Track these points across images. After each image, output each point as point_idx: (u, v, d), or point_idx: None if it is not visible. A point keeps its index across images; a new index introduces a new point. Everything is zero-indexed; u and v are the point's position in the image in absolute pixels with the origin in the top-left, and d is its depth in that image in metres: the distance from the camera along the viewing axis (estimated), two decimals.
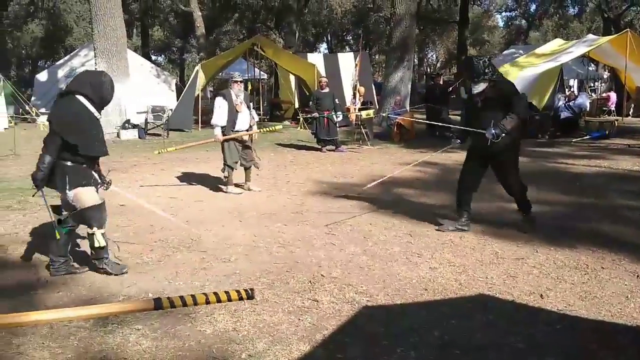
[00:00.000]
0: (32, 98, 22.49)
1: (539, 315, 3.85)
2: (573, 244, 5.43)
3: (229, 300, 2.04)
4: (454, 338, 3.53)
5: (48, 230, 5.25)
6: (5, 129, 17.38)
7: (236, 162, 8.06)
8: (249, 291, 2.07)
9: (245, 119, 8.05)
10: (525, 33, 49.15)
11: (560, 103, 15.45)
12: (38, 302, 4.12)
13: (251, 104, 8.40)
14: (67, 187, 4.49)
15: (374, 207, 7.09)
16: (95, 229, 4.54)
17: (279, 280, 4.56)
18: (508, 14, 50.24)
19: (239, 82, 8.03)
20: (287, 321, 3.78)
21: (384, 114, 16.25)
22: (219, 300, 2.01)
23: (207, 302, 1.98)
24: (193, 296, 1.95)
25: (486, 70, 5.43)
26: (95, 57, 16.28)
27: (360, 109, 15.40)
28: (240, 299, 2.06)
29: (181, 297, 1.92)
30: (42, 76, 23.78)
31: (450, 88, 16.36)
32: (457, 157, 11.52)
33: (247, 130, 8.10)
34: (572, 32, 45.67)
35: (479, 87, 5.48)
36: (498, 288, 4.35)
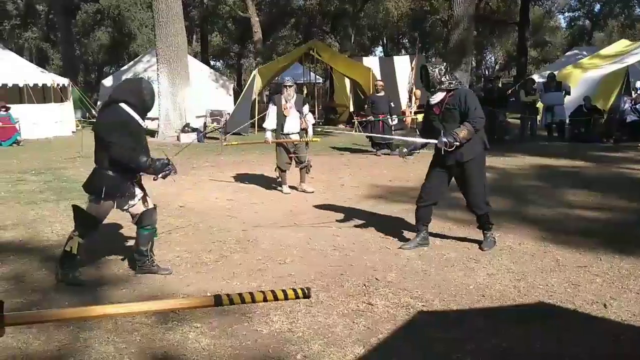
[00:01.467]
0: (98, 103, 23.39)
1: (602, 326, 3.72)
2: (639, 252, 5.21)
3: (286, 298, 2.07)
4: (512, 346, 3.45)
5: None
6: (73, 132, 18.16)
7: (288, 164, 8.36)
8: (306, 290, 2.10)
9: (294, 122, 8.23)
10: (589, 34, 47.45)
11: (627, 106, 14.84)
12: (103, 298, 4.30)
13: (306, 107, 8.50)
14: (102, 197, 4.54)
15: None
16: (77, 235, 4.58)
17: (334, 282, 4.58)
18: (571, 14, 48.61)
19: (288, 87, 8.23)
20: (341, 324, 3.80)
21: None
22: (276, 298, 2.05)
23: (265, 300, 2.02)
24: (251, 294, 2.00)
25: (443, 79, 5.15)
26: (157, 62, 16.82)
27: (416, 113, 15.29)
28: (297, 297, 2.09)
29: (240, 295, 1.97)
30: (108, 81, 24.73)
31: (509, 91, 16.01)
32: (517, 161, 11.27)
33: (298, 134, 8.29)
34: (638, 32, 43.74)
35: (437, 97, 5.23)
36: (559, 296, 4.23)
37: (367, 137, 13.26)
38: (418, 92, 16.04)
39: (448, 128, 5.15)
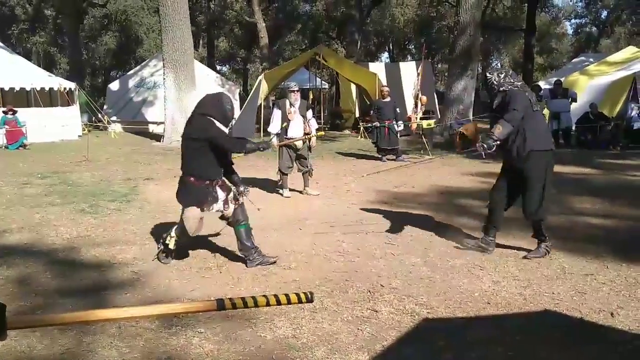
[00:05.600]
0: (105, 107, 23.49)
1: (609, 334, 3.69)
2: None
3: (289, 302, 2.06)
4: (518, 354, 3.42)
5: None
6: (79, 136, 18.23)
7: (289, 168, 8.49)
8: (309, 294, 2.09)
9: (298, 127, 8.32)
10: (595, 41, 47.34)
11: (634, 113, 14.77)
12: (107, 302, 4.29)
13: (309, 112, 8.59)
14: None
15: (435, 218, 6.99)
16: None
17: (338, 289, 4.56)
18: (577, 20, 48.54)
19: (295, 92, 8.35)
20: (346, 330, 3.78)
21: (447, 124, 16.02)
22: (279, 303, 2.04)
23: (268, 305, 2.01)
24: (254, 298, 1.99)
25: (502, 82, 5.25)
26: (164, 67, 16.87)
27: (421, 118, 15.27)
28: (300, 301, 2.07)
29: (242, 299, 1.97)
30: (114, 86, 24.83)
31: None
32: None
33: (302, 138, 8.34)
34: None
35: (497, 101, 5.34)
36: (565, 304, 4.20)
37: (373, 143, 13.27)
38: (424, 98, 16.02)
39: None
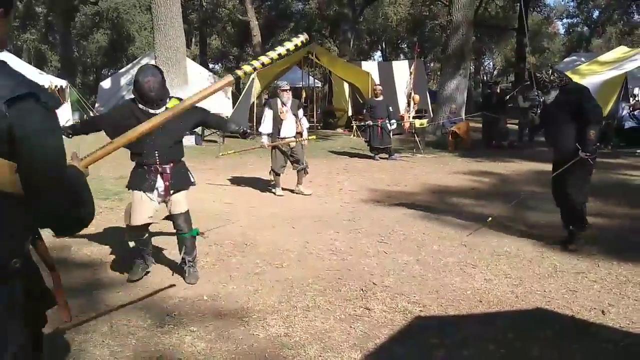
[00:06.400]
0: (96, 104, 23.38)
1: (600, 332, 3.71)
2: (637, 258, 5.20)
3: (288, 53, 2.29)
4: (510, 352, 3.43)
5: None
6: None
7: (282, 167, 8.47)
8: (303, 38, 2.29)
9: (291, 126, 8.30)
10: (587, 40, 47.60)
11: (625, 112, 14.88)
12: (99, 301, 4.27)
13: (300, 111, 8.57)
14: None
15: (428, 217, 7.01)
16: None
17: (331, 287, 4.56)
18: (569, 20, 48.84)
19: (287, 91, 8.34)
20: (339, 328, 3.78)
21: (440, 122, 16.07)
22: (280, 57, 2.26)
23: (271, 61, 2.25)
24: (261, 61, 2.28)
25: (552, 78, 5.46)
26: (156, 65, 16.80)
27: (414, 117, 15.29)
28: (298, 48, 2.30)
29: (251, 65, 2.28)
30: (106, 84, 24.72)
31: (508, 97, 16.03)
32: (515, 166, 11.28)
33: (294, 137, 8.35)
34: (637, 39, 43.81)
35: (550, 96, 5.54)
36: (557, 302, 4.22)
37: (366, 141, 13.29)
38: (417, 97, 16.03)
39: (562, 123, 5.44)
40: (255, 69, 2.27)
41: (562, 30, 53.76)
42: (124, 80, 23.41)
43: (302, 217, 7.06)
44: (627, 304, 4.17)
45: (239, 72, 2.23)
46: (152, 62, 18.28)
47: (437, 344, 3.55)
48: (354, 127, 18.14)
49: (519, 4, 31.87)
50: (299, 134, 8.42)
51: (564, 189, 5.52)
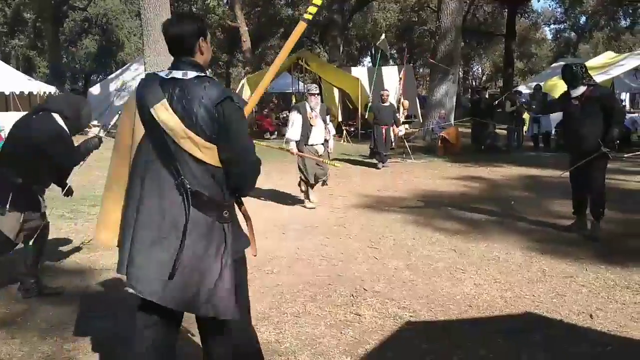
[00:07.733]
0: None
1: (588, 336, 3.74)
2: (624, 262, 5.25)
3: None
4: (499, 357, 3.45)
5: None
6: None
7: (316, 176, 7.92)
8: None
9: (320, 132, 7.82)
10: (574, 46, 48.05)
11: None
12: (89, 308, 4.24)
13: (327, 117, 8.14)
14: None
15: (418, 222, 7.03)
16: None
17: (322, 293, 4.57)
18: (557, 26, 49.29)
19: (315, 95, 7.75)
20: (329, 334, 3.78)
21: (430, 128, 16.17)
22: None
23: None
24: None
25: (584, 74, 5.92)
26: (145, 71, 16.74)
27: (403, 123, 15.36)
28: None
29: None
30: (95, 90, 24.60)
31: (496, 102, 16.14)
32: (504, 171, 11.34)
33: (322, 144, 7.89)
34: (623, 44, 44.34)
35: (578, 91, 5.94)
36: (545, 307, 4.25)
37: (371, 148, 13.22)
38: (406, 103, 16.10)
39: (587, 119, 5.88)
40: (317, 6, 2.76)
41: (549, 36, 54.31)
42: (113, 86, 23.28)
43: (293, 223, 7.06)
44: (614, 308, 4.21)
45: (307, 16, 2.78)
46: (142, 67, 18.24)
47: (427, 349, 3.56)
48: (344, 132, 18.18)
49: (506, 10, 32.21)
50: (326, 141, 7.98)
51: (588, 178, 6.01)
